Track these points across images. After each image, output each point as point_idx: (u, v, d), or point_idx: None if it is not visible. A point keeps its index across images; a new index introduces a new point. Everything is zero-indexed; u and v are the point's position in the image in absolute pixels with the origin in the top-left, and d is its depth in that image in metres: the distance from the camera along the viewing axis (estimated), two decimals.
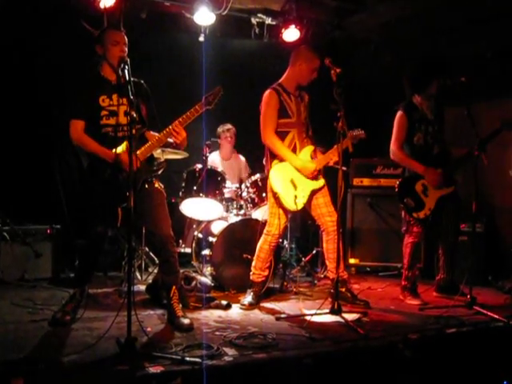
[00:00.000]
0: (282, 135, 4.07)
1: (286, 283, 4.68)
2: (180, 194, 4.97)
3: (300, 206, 4.03)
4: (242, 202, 4.89)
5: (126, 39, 3.40)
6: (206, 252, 4.65)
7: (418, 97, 4.35)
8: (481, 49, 5.36)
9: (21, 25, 4.93)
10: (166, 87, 5.58)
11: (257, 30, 5.87)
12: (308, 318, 3.53)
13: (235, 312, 3.91)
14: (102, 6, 4.85)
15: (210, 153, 5.19)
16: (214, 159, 5.66)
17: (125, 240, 5.02)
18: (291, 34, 5.78)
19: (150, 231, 3.61)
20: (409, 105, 4.37)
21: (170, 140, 3.36)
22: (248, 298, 4.08)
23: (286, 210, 4.10)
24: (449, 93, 4.20)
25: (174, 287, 3.48)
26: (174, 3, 5.41)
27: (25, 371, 2.47)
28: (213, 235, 4.69)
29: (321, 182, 4.13)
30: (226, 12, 5.34)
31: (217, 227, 4.76)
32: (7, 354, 2.77)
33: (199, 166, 4.94)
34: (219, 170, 5.09)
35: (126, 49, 3.37)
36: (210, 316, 3.73)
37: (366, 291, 4.71)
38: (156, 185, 3.52)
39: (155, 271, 4.75)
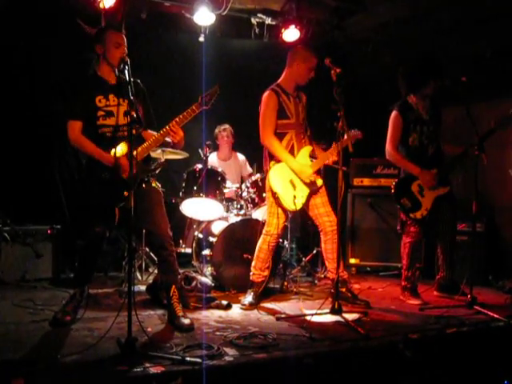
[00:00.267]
0: (280, 136, 4.07)
1: (286, 283, 4.68)
2: (180, 194, 4.96)
3: (299, 206, 4.05)
4: (243, 202, 4.88)
5: (125, 40, 3.41)
6: (207, 252, 4.64)
7: (414, 97, 4.33)
8: (480, 49, 5.34)
9: (20, 25, 4.92)
10: (166, 87, 5.59)
11: (257, 30, 5.87)
12: (308, 317, 3.53)
13: (235, 312, 3.91)
14: (102, 6, 4.85)
15: (209, 153, 5.19)
16: (213, 161, 5.62)
17: (125, 240, 5.03)
18: (291, 34, 5.77)
19: (147, 231, 3.60)
20: (404, 105, 4.34)
21: (168, 139, 3.36)
22: (248, 298, 4.08)
23: (284, 210, 4.10)
24: (448, 93, 4.20)
25: (173, 287, 3.48)
26: (174, 3, 5.40)
27: (25, 371, 2.46)
28: (213, 235, 4.69)
29: (319, 182, 4.13)
30: (225, 12, 5.34)
31: (217, 227, 4.76)
32: (8, 354, 2.77)
33: (199, 166, 4.94)
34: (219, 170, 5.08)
35: (126, 50, 3.37)
36: (210, 316, 3.73)
37: (367, 291, 4.72)
38: (153, 184, 3.52)
39: (155, 271, 4.75)
